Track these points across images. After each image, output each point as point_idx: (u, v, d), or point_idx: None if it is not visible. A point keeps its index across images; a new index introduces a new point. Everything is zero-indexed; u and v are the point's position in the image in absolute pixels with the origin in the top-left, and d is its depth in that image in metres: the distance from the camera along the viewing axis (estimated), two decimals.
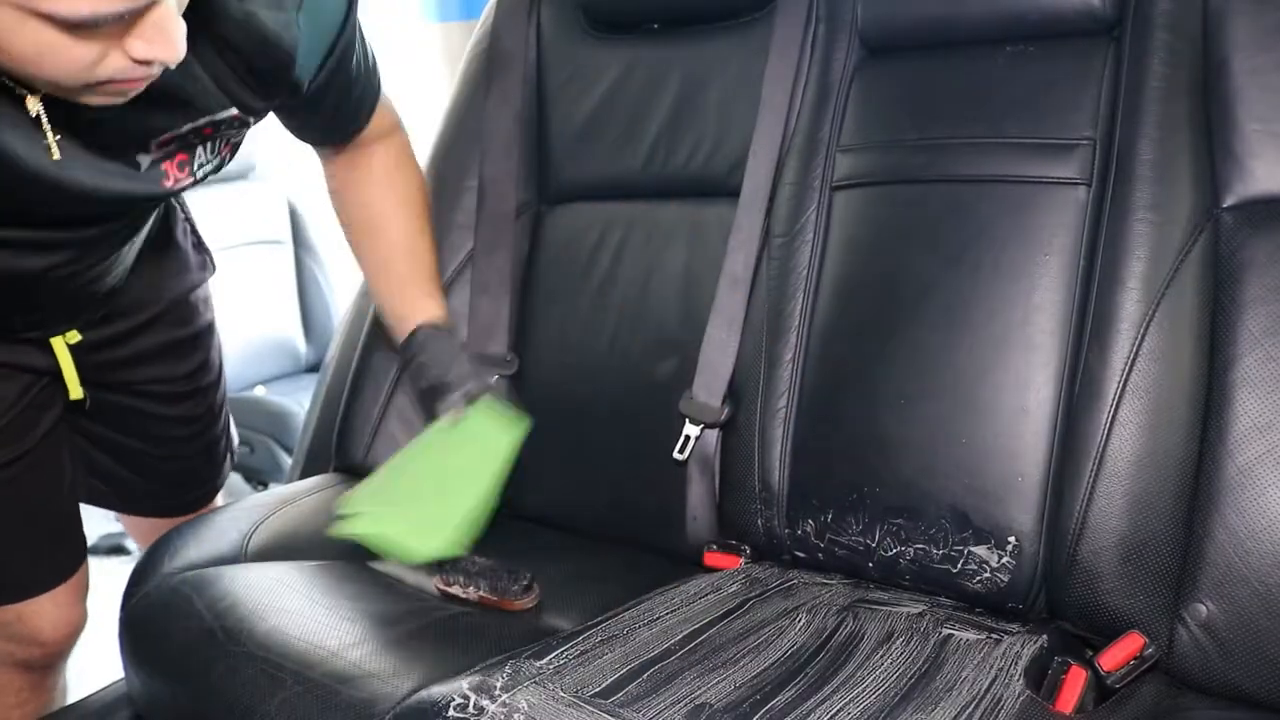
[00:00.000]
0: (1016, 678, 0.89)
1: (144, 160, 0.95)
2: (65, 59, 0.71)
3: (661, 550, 1.22)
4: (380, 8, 2.49)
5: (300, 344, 2.90)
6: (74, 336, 1.16)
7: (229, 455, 1.40)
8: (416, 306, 1.22)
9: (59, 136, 0.85)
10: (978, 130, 1.11)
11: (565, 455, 1.33)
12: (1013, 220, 1.07)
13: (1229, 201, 0.99)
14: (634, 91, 1.36)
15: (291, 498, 1.32)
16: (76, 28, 0.68)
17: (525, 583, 1.08)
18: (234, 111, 0.96)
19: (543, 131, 1.42)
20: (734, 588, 1.07)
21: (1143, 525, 0.96)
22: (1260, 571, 0.90)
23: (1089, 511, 0.98)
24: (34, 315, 1.12)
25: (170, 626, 1.06)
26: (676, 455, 1.21)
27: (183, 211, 1.28)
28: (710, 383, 1.21)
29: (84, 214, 1.00)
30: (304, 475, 1.49)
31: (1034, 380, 1.04)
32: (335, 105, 1.10)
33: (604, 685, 0.86)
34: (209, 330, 1.32)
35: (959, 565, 1.04)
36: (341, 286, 2.85)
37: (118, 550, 2.38)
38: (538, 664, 0.89)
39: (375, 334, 1.41)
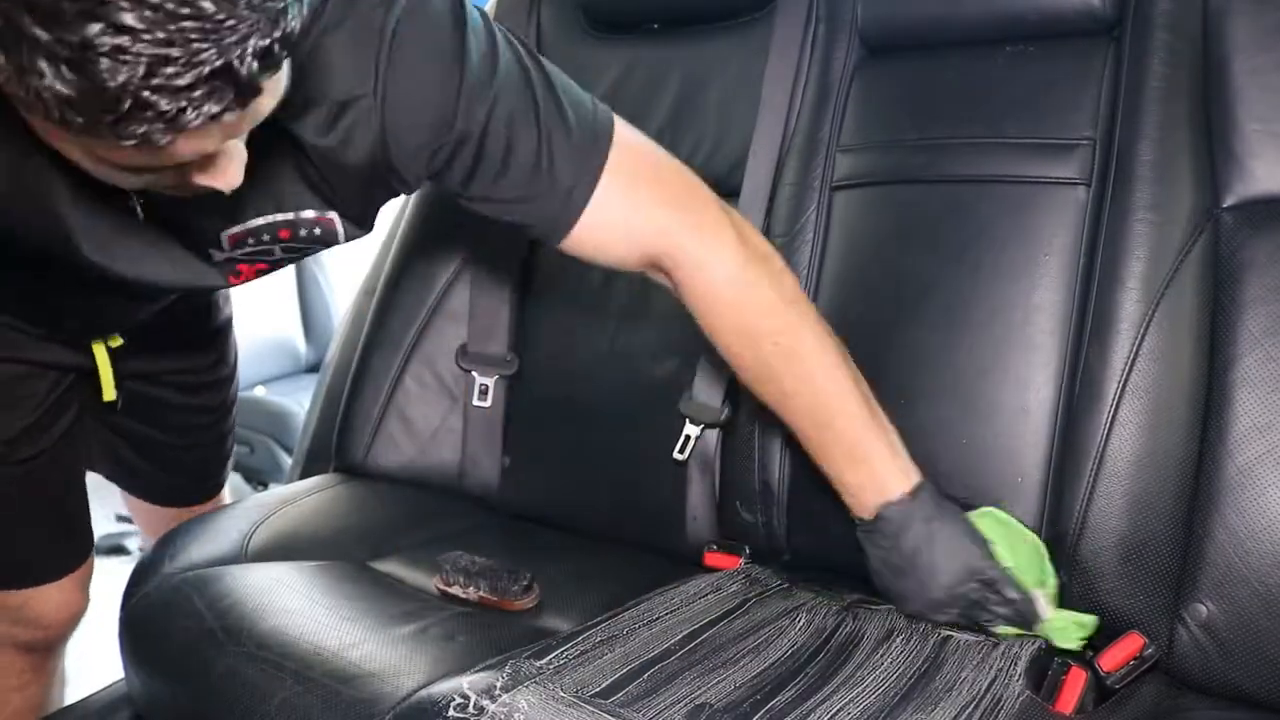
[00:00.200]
0: (1016, 678, 0.89)
1: (217, 255, 0.92)
2: (123, 182, 0.73)
3: (661, 550, 1.22)
4: None
5: (300, 344, 2.91)
6: (116, 340, 1.18)
7: (233, 449, 1.43)
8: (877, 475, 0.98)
9: (143, 216, 0.85)
10: (977, 130, 1.11)
11: (565, 455, 1.33)
12: (1013, 220, 1.07)
13: (1229, 201, 0.99)
14: (634, 91, 1.36)
15: (291, 498, 1.32)
16: (128, 168, 0.69)
17: (525, 583, 1.08)
18: (311, 214, 0.89)
19: None
20: (734, 588, 1.07)
21: (1143, 525, 0.96)
22: (1260, 571, 0.90)
23: (1089, 511, 0.98)
24: (92, 326, 1.15)
25: (170, 626, 1.06)
26: (676, 455, 1.21)
27: None
28: (710, 383, 1.21)
29: (146, 294, 1.04)
30: (304, 475, 1.49)
31: (1034, 380, 1.04)
32: (516, 172, 0.90)
33: (604, 685, 0.86)
34: (227, 324, 1.34)
35: None
36: (341, 286, 2.85)
37: (118, 550, 2.38)
38: (538, 664, 0.89)
39: (375, 334, 1.41)
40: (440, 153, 0.89)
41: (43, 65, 0.57)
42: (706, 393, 1.21)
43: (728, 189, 1.26)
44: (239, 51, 0.59)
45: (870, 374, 1.02)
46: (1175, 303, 0.98)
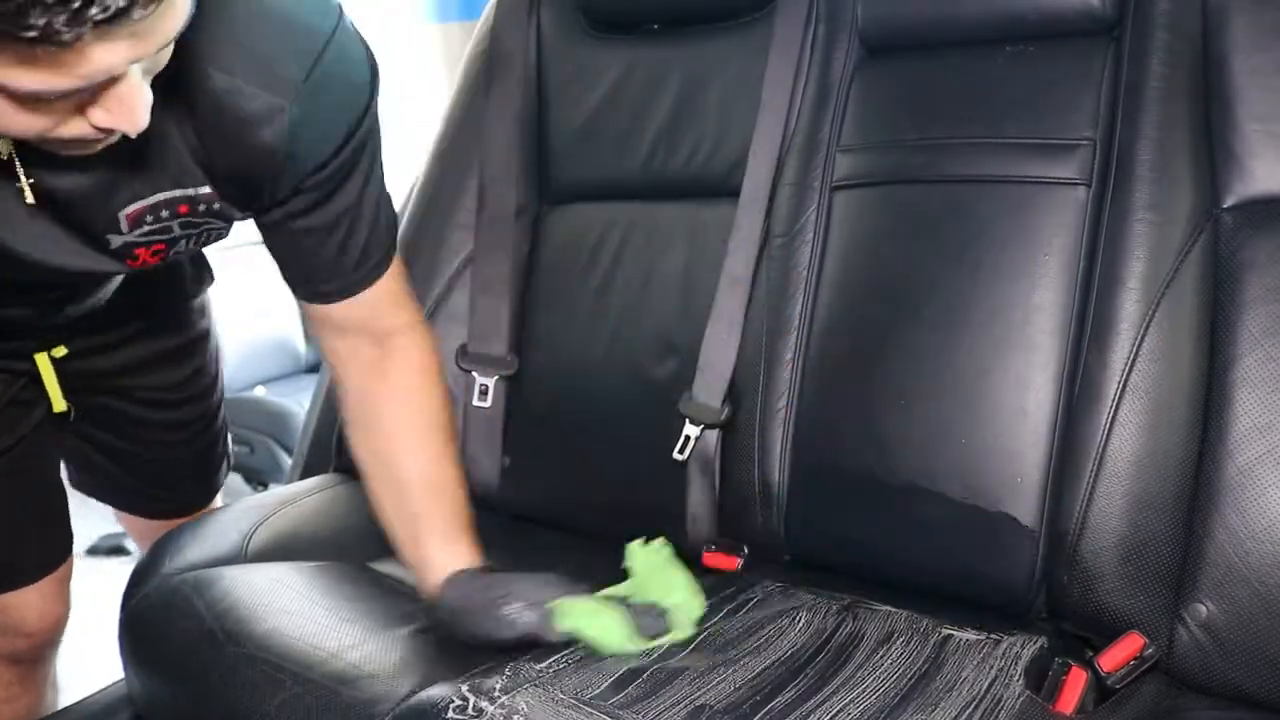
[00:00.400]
0: (1017, 678, 0.89)
1: (115, 240, 0.89)
2: (21, 123, 0.68)
3: None
4: (380, 8, 2.49)
5: (300, 344, 2.91)
6: (60, 350, 1.15)
7: (226, 460, 1.39)
8: (440, 554, 1.02)
9: (32, 201, 0.81)
10: (977, 130, 1.11)
11: (565, 455, 1.33)
12: (1013, 220, 1.07)
13: (1229, 202, 0.99)
14: (634, 92, 1.36)
15: (291, 498, 1.32)
16: (28, 99, 0.65)
17: None
18: (208, 190, 0.87)
19: (543, 132, 1.42)
20: (733, 588, 1.07)
21: (1143, 525, 0.96)
22: (1260, 571, 0.90)
23: (1089, 512, 0.98)
24: (9, 343, 1.11)
25: (170, 627, 1.06)
26: (676, 455, 1.21)
27: None
28: (710, 383, 1.21)
29: (51, 280, 0.97)
30: (304, 475, 1.49)
31: (1034, 380, 1.04)
32: (342, 227, 0.95)
33: (603, 687, 0.86)
34: (204, 337, 1.29)
35: (959, 565, 1.04)
36: None
37: (118, 550, 2.38)
38: (537, 666, 0.89)
39: None
40: (316, 174, 0.90)
41: None
42: (706, 393, 1.21)
43: (728, 189, 1.26)
44: None
45: (870, 374, 1.02)
46: (1175, 303, 0.98)
